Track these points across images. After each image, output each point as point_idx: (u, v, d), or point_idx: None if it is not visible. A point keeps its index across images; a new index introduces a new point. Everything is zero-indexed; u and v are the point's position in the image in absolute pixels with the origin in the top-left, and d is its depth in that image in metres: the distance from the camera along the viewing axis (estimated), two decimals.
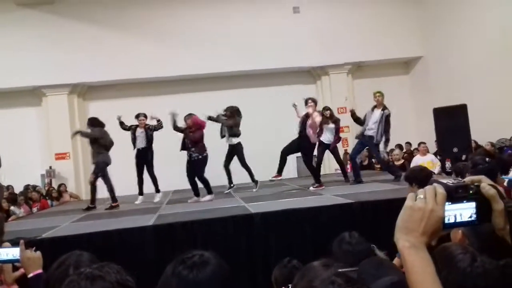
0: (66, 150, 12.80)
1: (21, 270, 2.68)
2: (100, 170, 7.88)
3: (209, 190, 7.56)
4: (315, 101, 7.95)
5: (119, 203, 7.90)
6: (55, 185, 12.26)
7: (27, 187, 11.47)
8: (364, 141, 7.79)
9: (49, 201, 11.26)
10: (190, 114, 7.91)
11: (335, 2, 13.60)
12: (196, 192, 7.58)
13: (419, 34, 13.82)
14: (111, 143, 8.05)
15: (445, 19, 12.64)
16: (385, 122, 7.69)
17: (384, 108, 7.83)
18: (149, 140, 8.10)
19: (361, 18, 13.59)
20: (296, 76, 14.05)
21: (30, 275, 2.25)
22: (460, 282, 1.24)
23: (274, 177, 8.24)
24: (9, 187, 11.21)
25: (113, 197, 7.95)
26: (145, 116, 8.32)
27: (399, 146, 12.39)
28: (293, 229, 5.24)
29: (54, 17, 12.71)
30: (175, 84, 13.52)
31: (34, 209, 10.09)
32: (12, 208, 9.08)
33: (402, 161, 11.22)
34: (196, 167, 7.46)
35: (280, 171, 8.27)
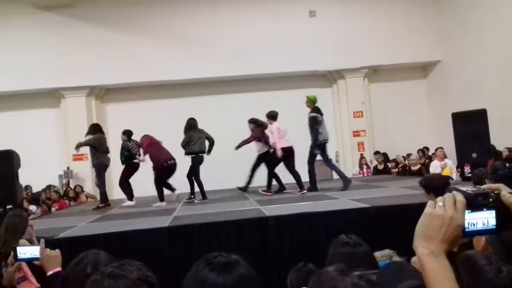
0: (83, 152, 12.90)
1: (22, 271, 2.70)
2: (97, 171, 8.44)
3: (161, 198, 8.18)
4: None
5: (106, 205, 8.48)
6: (72, 186, 12.41)
7: (48, 187, 11.63)
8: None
9: (66, 201, 11.40)
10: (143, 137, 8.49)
11: (352, 6, 13.54)
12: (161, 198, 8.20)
13: (437, 38, 13.68)
14: (106, 150, 8.54)
15: (464, 23, 12.48)
16: (313, 123, 8.04)
17: (311, 112, 8.14)
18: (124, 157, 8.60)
19: (378, 22, 13.50)
20: (312, 80, 14.00)
21: (50, 272, 2.28)
22: None
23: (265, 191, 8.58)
24: (27, 187, 11.39)
25: (102, 199, 8.56)
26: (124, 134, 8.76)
27: (421, 151, 12.28)
28: (308, 232, 5.22)
29: (73, 20, 12.89)
30: (191, 87, 13.60)
31: (53, 209, 10.23)
32: (30, 207, 9.21)
33: (418, 166, 11.11)
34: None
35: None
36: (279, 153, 8.37)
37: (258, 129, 8.59)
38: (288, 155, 8.55)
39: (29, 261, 2.49)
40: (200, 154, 8.29)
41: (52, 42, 12.77)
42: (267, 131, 8.59)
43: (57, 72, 12.70)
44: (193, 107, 12.70)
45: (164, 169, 8.12)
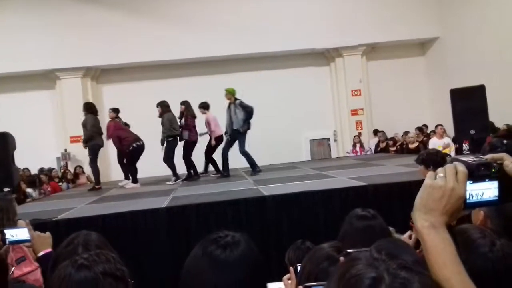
0: (81, 133, 12.83)
1: (21, 251, 2.68)
2: (91, 153, 8.54)
3: (134, 179, 8.54)
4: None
5: (101, 186, 8.63)
6: (70, 168, 12.39)
7: (41, 170, 11.62)
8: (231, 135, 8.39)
9: (64, 184, 11.40)
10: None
11: None
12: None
13: (435, 15, 13.51)
14: (99, 131, 8.63)
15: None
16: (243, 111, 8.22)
17: (234, 101, 8.39)
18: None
19: None
20: (309, 58, 13.89)
21: (41, 253, 2.26)
22: (480, 266, 1.21)
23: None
24: (25, 170, 11.37)
25: (97, 180, 8.70)
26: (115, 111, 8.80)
27: (420, 129, 12.25)
28: (306, 211, 5.22)
29: (68, 1, 12.69)
30: (188, 67, 13.47)
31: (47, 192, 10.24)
32: (28, 190, 9.21)
33: (416, 143, 11.10)
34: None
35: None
36: (213, 142, 8.79)
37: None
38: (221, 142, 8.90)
39: (19, 243, 2.46)
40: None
41: (47, 23, 12.60)
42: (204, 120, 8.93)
43: (52, 53, 12.55)
44: (189, 87, 12.62)
45: (132, 151, 8.39)
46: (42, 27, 12.57)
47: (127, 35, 12.72)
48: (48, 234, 2.36)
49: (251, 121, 8.45)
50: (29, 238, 2.32)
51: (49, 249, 2.27)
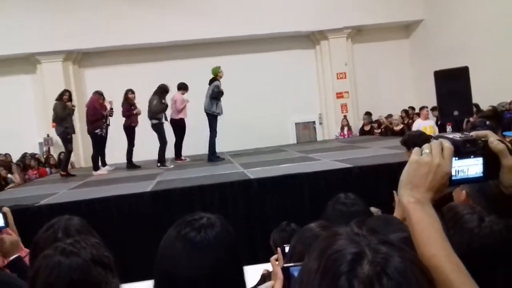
0: None
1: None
2: (62, 140, 8.54)
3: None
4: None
5: (67, 173, 8.67)
6: (53, 153, 12.21)
7: (24, 155, 11.42)
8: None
9: (47, 169, 11.25)
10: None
11: None
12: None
13: None
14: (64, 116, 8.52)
15: None
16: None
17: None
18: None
19: None
20: (294, 41, 13.79)
21: (12, 258, 2.19)
22: (467, 243, 1.21)
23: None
24: (7, 155, 11.18)
25: (64, 166, 8.87)
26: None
27: (405, 111, 12.32)
28: (292, 194, 5.24)
29: None
30: (170, 50, 13.28)
31: (33, 177, 10.10)
32: (9, 176, 9.07)
33: (401, 126, 11.18)
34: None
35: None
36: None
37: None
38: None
39: None
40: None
41: (26, 5, 12.26)
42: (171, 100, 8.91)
43: (32, 37, 12.23)
44: (172, 70, 12.45)
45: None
46: (22, 10, 12.24)
47: (109, 18, 12.46)
48: (14, 238, 2.26)
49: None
50: (3, 225, 2.22)
51: (16, 253, 2.20)
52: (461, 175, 1.00)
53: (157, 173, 7.38)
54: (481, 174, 1.00)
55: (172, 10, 12.63)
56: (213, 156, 8.49)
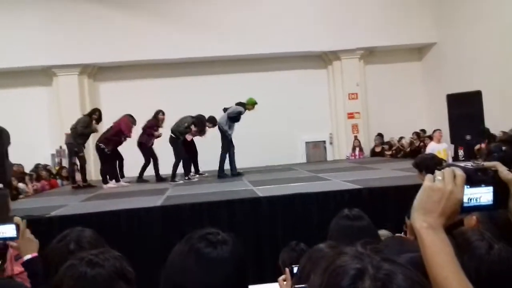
0: None
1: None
2: (68, 150, 8.94)
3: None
4: None
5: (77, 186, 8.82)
6: (65, 164, 12.31)
7: (37, 166, 11.54)
8: None
9: (59, 181, 11.34)
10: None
11: None
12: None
13: (433, 20, 13.56)
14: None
15: (460, 5, 12.36)
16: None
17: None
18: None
19: (374, 3, 13.35)
20: (307, 60, 13.89)
21: (28, 257, 2.20)
22: (476, 268, 1.22)
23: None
24: (19, 166, 11.29)
25: (72, 179, 9.12)
26: None
27: (416, 134, 12.27)
28: (301, 213, 5.23)
29: None
30: (184, 67, 13.44)
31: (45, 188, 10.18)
32: (20, 185, 9.16)
33: (412, 148, 11.13)
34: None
35: None
36: None
37: None
38: None
39: (5, 241, 2.38)
40: None
41: (45, 19, 12.53)
42: None
43: (49, 50, 12.48)
44: (186, 87, 12.61)
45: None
46: (40, 23, 12.51)
47: (125, 33, 12.68)
48: (36, 240, 2.29)
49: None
50: (15, 236, 2.20)
51: (36, 253, 2.22)
52: (472, 203, 1.02)
53: (167, 188, 7.42)
54: (491, 202, 1.03)
55: (187, 27, 12.83)
56: (221, 172, 8.56)
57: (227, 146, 8.50)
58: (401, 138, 12.25)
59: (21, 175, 10.12)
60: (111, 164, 8.61)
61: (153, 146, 9.00)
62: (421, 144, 11.34)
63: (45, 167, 11.60)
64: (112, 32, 12.66)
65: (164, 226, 5.13)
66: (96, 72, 13.58)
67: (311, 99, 13.63)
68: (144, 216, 5.22)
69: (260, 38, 12.81)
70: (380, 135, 12.83)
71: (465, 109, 6.38)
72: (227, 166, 8.67)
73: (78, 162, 8.64)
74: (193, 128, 8.53)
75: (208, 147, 9.02)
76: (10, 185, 7.61)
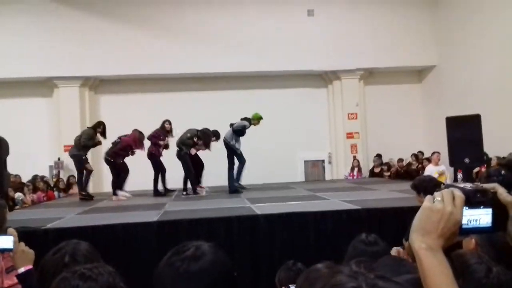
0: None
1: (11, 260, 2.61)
2: (75, 161, 8.78)
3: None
4: None
5: (82, 196, 8.71)
6: (63, 176, 12.29)
7: (35, 177, 11.51)
8: None
9: (56, 193, 11.30)
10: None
11: (350, 7, 13.53)
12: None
13: (433, 43, 13.71)
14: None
15: (460, 29, 12.52)
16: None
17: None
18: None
19: (375, 24, 13.51)
20: (307, 79, 14.00)
21: (22, 269, 2.19)
22: None
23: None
24: (16, 176, 11.27)
25: (82, 188, 8.87)
26: None
27: (415, 155, 12.28)
28: (298, 232, 5.19)
29: (70, 9, 12.76)
30: (185, 82, 13.52)
31: (42, 199, 10.13)
32: (16, 196, 9.12)
33: (411, 170, 11.12)
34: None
35: None
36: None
37: None
38: None
39: (1, 252, 2.39)
40: None
41: (48, 31, 12.65)
42: None
43: (51, 61, 12.57)
44: (186, 102, 12.67)
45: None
46: (43, 34, 12.62)
47: (128, 47, 12.79)
48: (32, 251, 2.29)
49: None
50: (11, 247, 2.22)
51: (31, 266, 2.21)
52: (471, 225, 1.02)
53: (165, 203, 7.38)
54: (490, 225, 1.03)
55: (189, 43, 12.95)
56: (233, 187, 8.58)
57: (234, 161, 8.55)
58: (400, 160, 12.26)
59: (19, 186, 10.09)
60: (121, 176, 8.54)
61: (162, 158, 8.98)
62: (420, 166, 11.34)
63: (42, 178, 11.56)
64: (114, 45, 12.76)
65: (160, 241, 5.08)
66: (97, 84, 13.64)
67: (310, 118, 13.69)
68: (140, 231, 5.17)
69: (262, 55, 12.93)
70: (378, 156, 12.84)
71: (464, 132, 6.40)
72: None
73: (84, 173, 8.62)
74: (196, 140, 8.53)
75: (214, 162, 9.09)
76: (7, 196, 7.58)
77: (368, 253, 2.07)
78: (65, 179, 11.96)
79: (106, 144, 8.81)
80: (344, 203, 6.18)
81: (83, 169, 8.60)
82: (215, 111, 12.33)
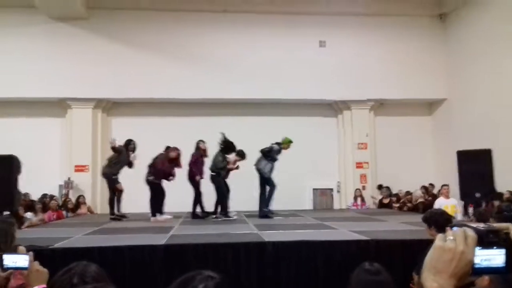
0: (86, 163, 12.95)
1: (22, 278, 2.63)
2: (107, 180, 8.85)
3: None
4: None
5: (114, 217, 8.72)
6: (71, 196, 12.34)
7: (44, 196, 11.56)
8: None
9: (64, 212, 11.32)
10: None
11: (362, 39, 13.70)
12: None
13: (444, 76, 13.78)
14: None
15: (471, 63, 12.59)
16: None
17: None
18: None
19: (387, 56, 13.64)
20: (317, 108, 14.07)
21: None
22: None
23: None
24: (26, 195, 11.32)
25: (111, 209, 8.89)
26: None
27: (425, 188, 12.18)
28: (306, 261, 5.14)
29: (85, 33, 13.05)
30: (197, 107, 13.66)
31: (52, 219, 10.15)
32: (26, 214, 9.15)
33: (421, 201, 11.02)
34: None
35: None
36: None
37: None
38: None
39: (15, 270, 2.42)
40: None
41: (63, 53, 12.91)
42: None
43: (66, 82, 12.79)
44: (197, 126, 12.75)
45: None
46: (58, 56, 12.87)
47: (140, 71, 12.99)
48: (46, 270, 2.31)
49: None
50: (26, 266, 2.25)
51: (44, 285, 2.23)
52: (484, 265, 1.01)
53: (172, 227, 7.37)
54: (504, 265, 1.01)
55: (202, 69, 13.13)
56: (262, 212, 8.64)
57: (265, 186, 8.71)
58: (407, 192, 12.15)
59: (30, 203, 10.15)
60: (159, 198, 8.53)
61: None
62: (429, 198, 11.24)
63: (52, 197, 11.61)
64: (127, 69, 12.98)
65: (166, 265, 5.06)
66: (110, 106, 13.81)
67: (320, 146, 13.69)
68: (147, 254, 5.16)
69: (274, 83, 13.06)
70: (386, 188, 12.74)
71: (475, 167, 6.38)
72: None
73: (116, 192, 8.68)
74: (228, 158, 8.62)
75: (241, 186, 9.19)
76: (17, 214, 7.62)
77: (373, 283, 2.05)
78: (73, 199, 12.00)
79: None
80: (353, 233, 6.13)
81: (115, 189, 8.63)
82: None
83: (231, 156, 8.94)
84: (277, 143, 8.82)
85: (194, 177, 8.66)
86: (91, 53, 12.95)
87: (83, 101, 13.05)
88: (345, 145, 13.93)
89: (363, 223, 7.78)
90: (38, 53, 12.81)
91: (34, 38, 12.89)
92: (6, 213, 5.95)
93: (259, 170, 8.67)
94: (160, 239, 5.75)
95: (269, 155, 8.63)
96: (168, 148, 8.85)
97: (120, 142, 9.10)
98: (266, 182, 8.74)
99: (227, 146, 8.63)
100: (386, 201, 12.13)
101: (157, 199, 8.42)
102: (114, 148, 8.74)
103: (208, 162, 8.93)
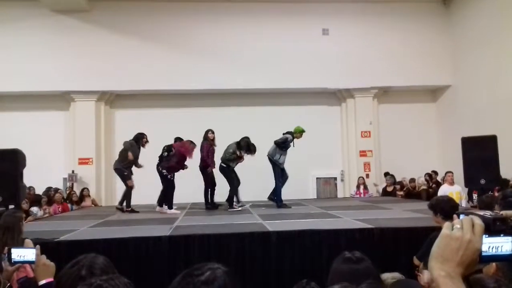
0: (89, 156, 13.00)
1: (24, 271, 2.64)
2: (120, 175, 8.77)
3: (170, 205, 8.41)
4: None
5: (127, 210, 8.64)
6: (76, 189, 12.40)
7: (49, 189, 11.61)
8: None
9: (69, 205, 11.38)
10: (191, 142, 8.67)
11: (365, 26, 13.60)
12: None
13: (448, 63, 13.68)
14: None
15: (475, 49, 12.48)
16: None
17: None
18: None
19: (390, 43, 13.54)
20: (321, 97, 14.02)
21: (43, 282, 2.22)
22: None
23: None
24: (30, 188, 11.37)
25: (122, 202, 8.80)
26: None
27: (429, 175, 12.14)
28: (310, 250, 5.15)
29: (88, 25, 13.03)
30: (200, 98, 13.65)
31: (57, 212, 10.21)
32: (31, 208, 9.19)
33: (424, 189, 11.00)
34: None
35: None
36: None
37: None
38: None
39: (23, 263, 2.45)
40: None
41: (66, 46, 12.90)
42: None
43: (69, 75, 12.81)
44: (200, 117, 12.74)
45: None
46: (61, 49, 12.88)
47: (144, 63, 12.98)
48: (52, 263, 2.33)
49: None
50: (33, 260, 2.28)
51: (51, 279, 2.24)
52: (491, 252, 1.02)
53: (177, 218, 7.39)
54: (511, 252, 1.02)
55: (204, 60, 13.09)
56: (280, 202, 8.60)
57: (279, 176, 8.61)
58: (411, 180, 12.13)
59: (35, 197, 10.19)
60: (169, 192, 8.49)
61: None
62: (433, 185, 11.21)
63: (56, 190, 11.66)
64: (131, 61, 12.96)
65: (171, 256, 5.08)
66: (113, 99, 13.81)
67: (324, 135, 13.66)
68: (152, 245, 5.18)
69: (277, 73, 13.01)
70: (391, 175, 12.72)
71: (480, 153, 6.31)
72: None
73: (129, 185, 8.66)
74: (239, 153, 8.60)
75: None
76: (20, 208, 7.66)
77: (350, 271, 2.02)
78: (78, 192, 12.06)
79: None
80: (358, 221, 6.12)
81: (127, 184, 8.62)
82: (228, 126, 12.36)
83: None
84: (289, 132, 8.77)
85: (206, 168, 8.64)
86: (94, 45, 12.93)
87: (86, 94, 13.07)
88: (348, 134, 13.89)
89: (368, 211, 7.78)
90: (41, 47, 12.81)
91: (37, 31, 12.88)
92: (11, 207, 5.95)
93: (272, 160, 8.63)
94: (165, 230, 5.77)
95: (283, 145, 8.60)
96: (178, 139, 8.79)
97: (124, 135, 9.07)
98: (282, 172, 8.73)
99: (246, 146, 8.57)
100: (390, 189, 12.11)
101: (167, 192, 8.41)
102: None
103: (218, 151, 8.88)
